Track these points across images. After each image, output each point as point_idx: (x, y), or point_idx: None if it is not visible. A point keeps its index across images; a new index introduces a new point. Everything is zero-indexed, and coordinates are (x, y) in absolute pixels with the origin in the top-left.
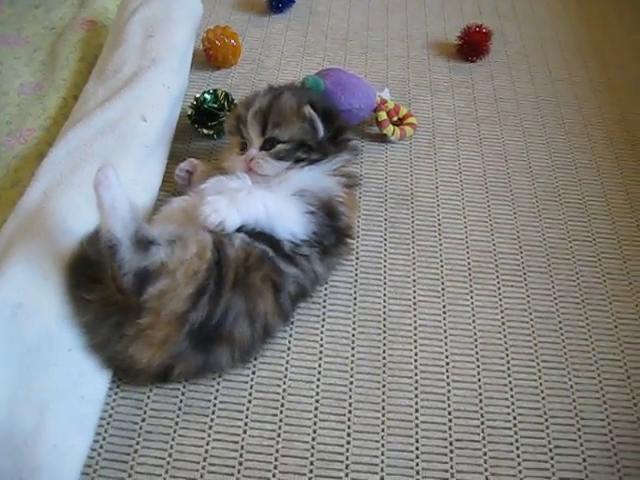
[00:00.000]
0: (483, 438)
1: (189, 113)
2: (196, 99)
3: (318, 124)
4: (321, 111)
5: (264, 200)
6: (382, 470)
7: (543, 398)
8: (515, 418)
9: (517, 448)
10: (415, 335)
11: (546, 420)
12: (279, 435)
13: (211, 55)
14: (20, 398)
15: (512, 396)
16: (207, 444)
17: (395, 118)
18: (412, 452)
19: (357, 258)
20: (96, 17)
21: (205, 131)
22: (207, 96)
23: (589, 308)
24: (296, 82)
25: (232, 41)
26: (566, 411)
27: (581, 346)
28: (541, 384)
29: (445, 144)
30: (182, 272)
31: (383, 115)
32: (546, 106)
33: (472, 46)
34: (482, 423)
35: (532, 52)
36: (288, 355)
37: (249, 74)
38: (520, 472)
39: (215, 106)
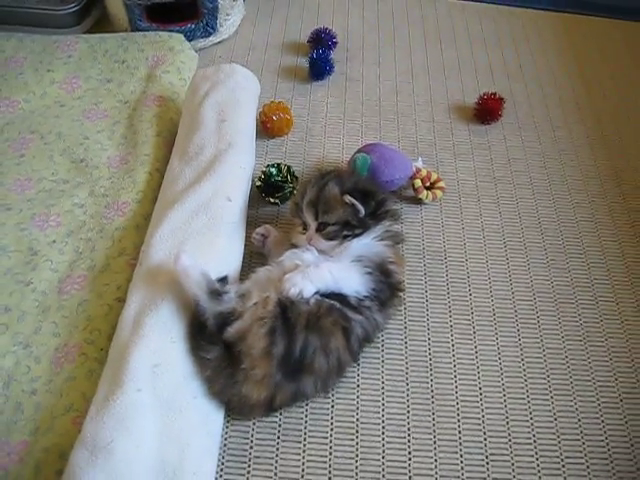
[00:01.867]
0: (510, 452)
1: (258, 185)
2: (264, 173)
3: (358, 206)
4: (360, 195)
5: (330, 269)
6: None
7: (555, 419)
8: (534, 435)
9: (536, 459)
10: (455, 371)
11: (558, 437)
12: (357, 455)
13: (268, 127)
14: (166, 437)
15: (531, 418)
16: (303, 464)
17: (428, 184)
18: (458, 464)
19: (405, 308)
20: (164, 92)
21: (272, 200)
22: (272, 170)
23: (589, 344)
24: (341, 163)
25: (286, 115)
26: (573, 429)
27: (583, 376)
28: (553, 407)
29: (469, 204)
30: (249, 316)
31: (418, 182)
32: (551, 164)
33: (488, 111)
34: (509, 440)
35: (537, 111)
36: (358, 390)
37: (300, 142)
38: (540, 478)
39: (279, 179)
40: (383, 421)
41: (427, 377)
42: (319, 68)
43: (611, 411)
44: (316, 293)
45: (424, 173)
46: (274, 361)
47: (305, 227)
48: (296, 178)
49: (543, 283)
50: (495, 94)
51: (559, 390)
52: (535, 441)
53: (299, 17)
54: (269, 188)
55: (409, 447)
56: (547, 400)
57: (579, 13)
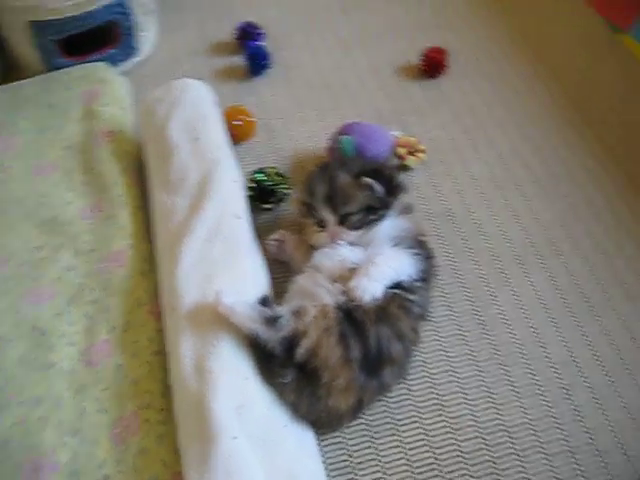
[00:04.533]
0: None
1: (250, 194)
2: (252, 181)
3: (376, 186)
4: (372, 175)
5: (387, 262)
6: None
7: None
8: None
9: None
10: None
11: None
12: (451, 428)
13: (233, 135)
14: (274, 471)
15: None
16: (406, 454)
17: (409, 149)
18: None
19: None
20: (111, 127)
21: (266, 206)
22: (260, 176)
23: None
24: (318, 150)
25: (248, 118)
26: None
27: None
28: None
29: (452, 157)
30: (314, 330)
31: (402, 150)
32: (510, 101)
33: (434, 65)
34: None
35: (479, 55)
36: (424, 366)
37: (268, 141)
38: None
39: (270, 183)
40: (457, 384)
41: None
42: (258, 63)
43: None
44: None
45: (403, 140)
46: (355, 365)
47: (321, 224)
48: (285, 177)
49: (545, 209)
50: (437, 47)
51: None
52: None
53: (215, 17)
54: (262, 195)
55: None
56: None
57: None
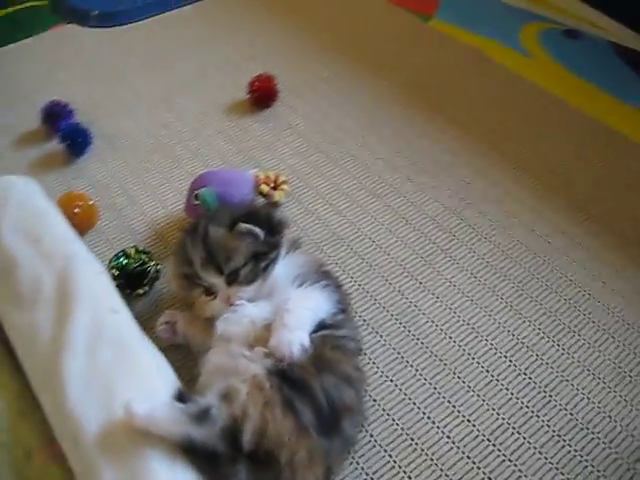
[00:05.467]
0: None
1: (117, 284)
2: (115, 268)
3: (256, 230)
4: (247, 218)
5: (302, 305)
6: None
7: None
8: None
9: None
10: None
11: None
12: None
13: (76, 225)
14: None
15: None
16: None
17: (272, 185)
18: None
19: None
20: None
21: (141, 291)
22: (121, 260)
23: None
24: (174, 217)
25: (87, 203)
26: None
27: None
28: None
29: (317, 181)
30: (253, 409)
31: (265, 188)
32: (354, 108)
33: (266, 94)
34: None
35: (304, 77)
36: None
37: (115, 222)
38: None
39: (136, 265)
40: (418, 411)
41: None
42: (77, 142)
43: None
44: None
45: (263, 177)
46: (311, 430)
47: (210, 292)
48: (150, 254)
49: (428, 202)
50: (263, 75)
51: None
52: None
53: (10, 106)
54: (131, 280)
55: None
56: None
57: None
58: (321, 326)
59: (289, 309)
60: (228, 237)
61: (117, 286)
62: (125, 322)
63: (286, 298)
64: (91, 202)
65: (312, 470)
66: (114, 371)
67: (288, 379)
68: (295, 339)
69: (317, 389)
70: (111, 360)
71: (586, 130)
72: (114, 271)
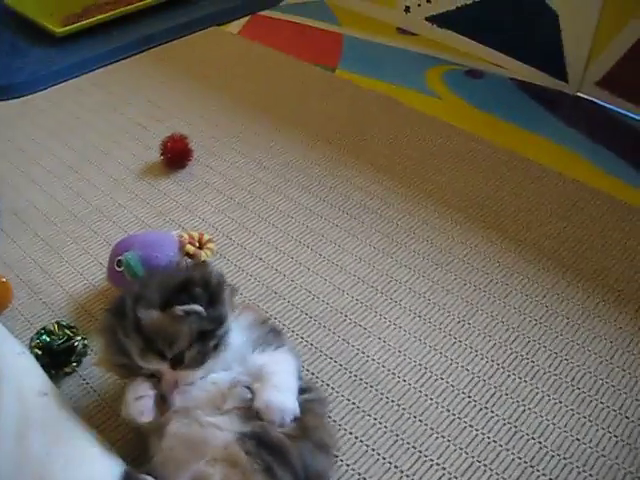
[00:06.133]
0: None
1: (43, 364)
2: (37, 347)
3: (195, 308)
4: (179, 296)
5: (280, 368)
6: None
7: None
8: None
9: None
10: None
11: None
12: None
13: None
14: None
15: None
16: None
17: (197, 244)
18: None
19: None
20: None
21: (68, 369)
22: (44, 338)
23: None
24: (96, 288)
25: (2, 279)
26: None
27: None
28: None
29: (243, 237)
30: None
31: (191, 248)
32: (275, 161)
33: (179, 154)
34: None
35: (217, 134)
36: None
37: (30, 299)
38: None
39: (61, 341)
40: (385, 463)
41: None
42: None
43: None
44: None
45: (187, 236)
46: None
47: (153, 375)
48: (74, 328)
49: (361, 238)
50: (174, 134)
51: None
52: None
53: None
54: (57, 358)
55: None
56: None
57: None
58: (301, 391)
59: (274, 371)
60: (164, 320)
61: (44, 366)
62: (55, 404)
63: (257, 364)
64: (4, 279)
65: None
66: (49, 460)
67: (265, 443)
68: (288, 403)
69: (295, 455)
70: (43, 448)
71: (501, 161)
72: (37, 350)
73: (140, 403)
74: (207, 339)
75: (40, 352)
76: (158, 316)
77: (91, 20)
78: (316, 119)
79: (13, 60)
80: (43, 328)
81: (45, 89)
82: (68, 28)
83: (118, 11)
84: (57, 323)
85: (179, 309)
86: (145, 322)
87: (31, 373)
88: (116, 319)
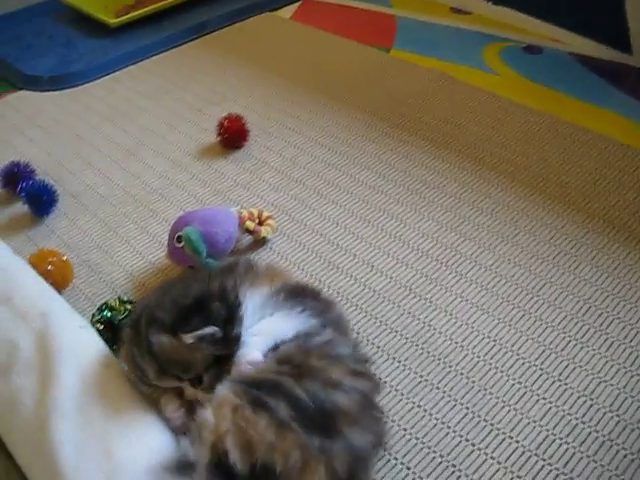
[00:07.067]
0: None
1: (105, 338)
2: (99, 322)
3: (204, 332)
4: (191, 318)
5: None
6: None
7: None
8: None
9: None
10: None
11: None
12: None
13: (50, 282)
14: None
15: None
16: None
17: (257, 221)
18: None
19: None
20: None
21: None
22: (106, 313)
23: None
24: (154, 263)
25: (61, 259)
26: None
27: None
28: None
29: (302, 214)
30: (225, 423)
31: (251, 224)
32: (326, 142)
33: (237, 134)
34: None
35: (271, 113)
36: None
37: (92, 278)
38: None
39: (124, 316)
40: (451, 432)
41: None
42: (42, 201)
43: None
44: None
45: (247, 213)
46: (293, 424)
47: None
48: (134, 303)
49: (414, 221)
50: (231, 115)
51: None
52: None
53: None
54: (119, 334)
55: None
56: None
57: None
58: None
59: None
60: (176, 347)
61: (106, 341)
62: (117, 377)
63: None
64: (65, 258)
65: (311, 472)
66: (109, 429)
67: (254, 383)
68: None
69: (291, 385)
70: (105, 418)
71: (563, 134)
72: (99, 325)
73: (177, 416)
74: (224, 362)
75: (102, 327)
76: (170, 342)
77: (144, 10)
78: (372, 98)
79: (70, 52)
80: (105, 303)
81: (100, 78)
82: (122, 19)
83: (171, 0)
84: (118, 298)
85: (189, 337)
86: (157, 347)
87: (92, 346)
88: (133, 338)
